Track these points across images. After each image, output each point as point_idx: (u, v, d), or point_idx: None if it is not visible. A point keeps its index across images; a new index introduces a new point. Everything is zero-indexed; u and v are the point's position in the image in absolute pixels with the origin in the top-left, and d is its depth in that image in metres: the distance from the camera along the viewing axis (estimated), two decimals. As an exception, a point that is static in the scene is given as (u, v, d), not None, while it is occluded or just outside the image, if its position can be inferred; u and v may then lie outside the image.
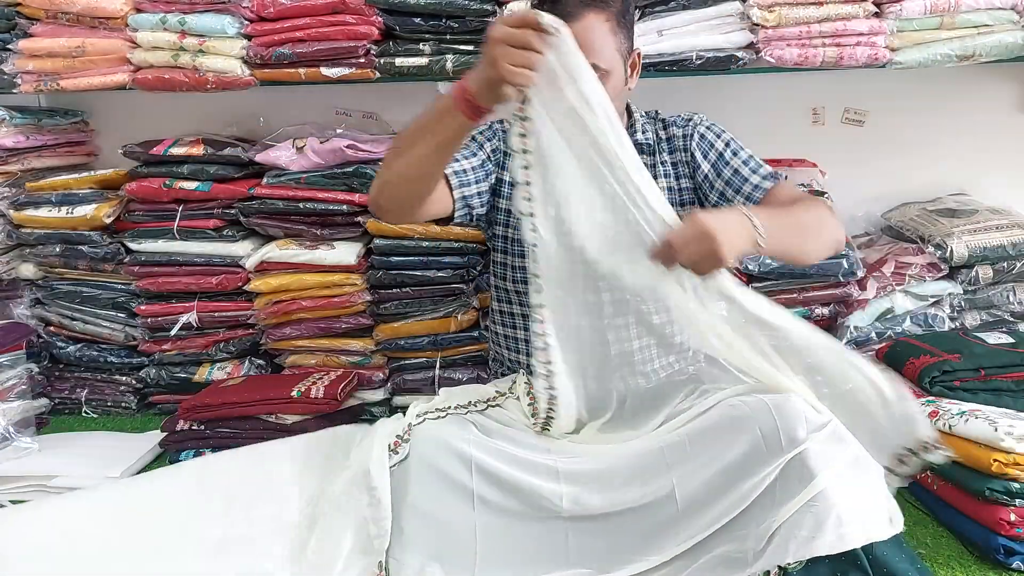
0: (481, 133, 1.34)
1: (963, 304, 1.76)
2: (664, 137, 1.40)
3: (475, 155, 1.31)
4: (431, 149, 1.11)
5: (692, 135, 1.37)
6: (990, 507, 1.16)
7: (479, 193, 1.30)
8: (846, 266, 1.71)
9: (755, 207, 1.15)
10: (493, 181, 1.34)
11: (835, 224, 1.22)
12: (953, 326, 1.75)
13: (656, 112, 1.46)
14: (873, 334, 1.74)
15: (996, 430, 1.17)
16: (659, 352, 1.23)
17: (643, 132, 1.38)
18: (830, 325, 1.80)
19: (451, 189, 1.26)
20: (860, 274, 1.73)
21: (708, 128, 1.38)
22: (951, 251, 1.72)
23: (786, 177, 1.30)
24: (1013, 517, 1.14)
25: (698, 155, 1.36)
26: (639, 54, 1.30)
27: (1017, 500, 1.14)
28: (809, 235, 1.16)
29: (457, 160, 1.27)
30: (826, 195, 1.87)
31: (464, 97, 1.03)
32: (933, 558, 1.16)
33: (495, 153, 1.34)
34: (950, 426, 1.25)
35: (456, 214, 1.28)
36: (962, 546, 1.21)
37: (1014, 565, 1.13)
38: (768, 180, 1.28)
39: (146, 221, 1.88)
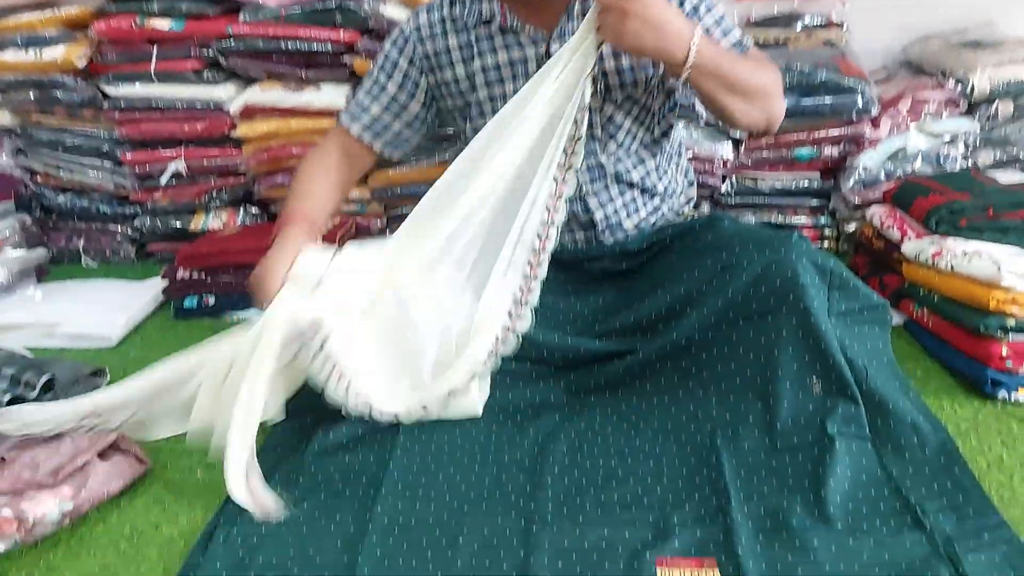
0: (386, 58, 1.20)
1: (978, 142, 1.69)
2: None
3: (382, 92, 1.20)
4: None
5: None
6: (983, 342, 1.17)
7: (407, 125, 1.23)
8: (860, 103, 1.63)
9: (710, 46, 1.05)
10: (424, 98, 1.22)
11: (779, 99, 1.12)
12: (965, 165, 1.70)
13: None
14: (882, 174, 1.68)
15: (999, 269, 1.16)
16: None
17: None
18: (839, 166, 1.75)
19: (368, 147, 1.23)
20: (874, 111, 1.65)
21: None
22: (972, 85, 1.63)
23: (753, 48, 1.17)
24: (1004, 351, 1.15)
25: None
26: None
27: (1011, 335, 1.15)
28: (747, 92, 1.06)
29: (365, 110, 1.21)
30: (844, 26, 1.77)
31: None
32: (922, 389, 1.19)
33: (413, 66, 1.20)
34: (952, 266, 1.24)
35: (391, 156, 1.27)
36: (951, 379, 1.23)
37: (999, 396, 1.16)
38: (737, 48, 1.17)
39: (121, 63, 1.79)
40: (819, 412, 1.01)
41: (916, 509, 0.89)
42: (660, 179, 1.23)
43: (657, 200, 1.24)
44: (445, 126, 1.38)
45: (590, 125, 1.13)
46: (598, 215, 1.19)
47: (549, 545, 0.87)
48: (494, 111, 1.11)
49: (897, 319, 1.41)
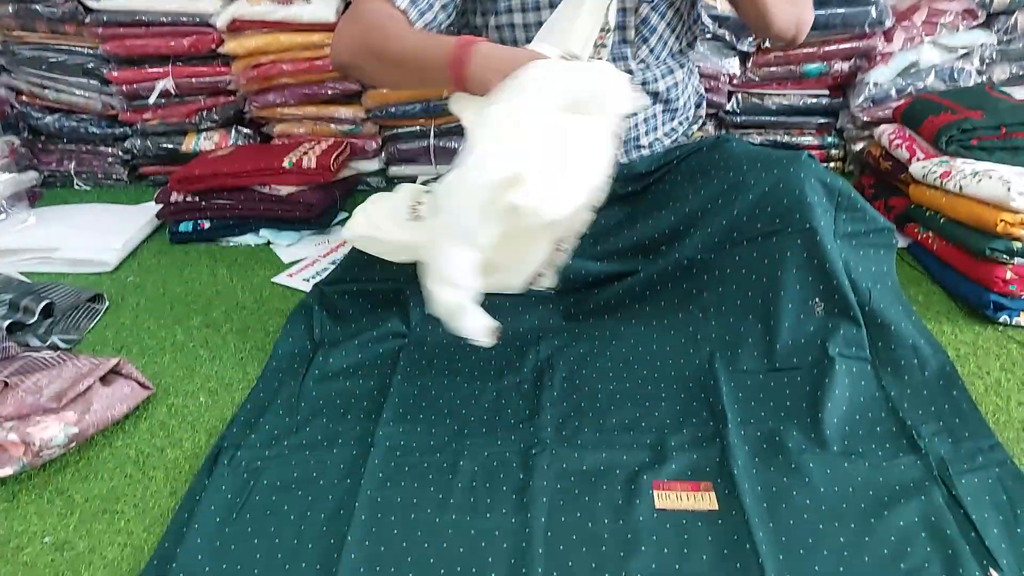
0: None
1: (994, 56, 1.63)
2: None
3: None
4: (414, 79, 1.08)
5: None
6: (988, 265, 1.16)
7: (443, 7, 1.10)
8: (874, 15, 1.56)
9: None
10: None
11: (811, 6, 1.13)
12: (980, 81, 1.65)
13: None
14: (893, 91, 1.63)
15: (1009, 190, 1.13)
16: None
17: None
18: (848, 82, 1.69)
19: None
20: (888, 24, 1.58)
21: None
22: (992, -8, 1.57)
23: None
24: (1009, 275, 1.14)
25: None
26: None
27: (1016, 259, 1.14)
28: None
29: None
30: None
31: (458, 72, 0.91)
32: (924, 313, 1.19)
33: None
34: (961, 187, 1.21)
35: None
36: (952, 302, 1.23)
37: (1000, 319, 1.15)
38: None
39: (102, -26, 1.70)
40: (820, 333, 1.01)
41: (912, 432, 0.90)
42: (681, 94, 1.20)
43: (675, 120, 1.21)
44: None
45: (623, 27, 1.09)
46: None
47: (548, 468, 0.88)
48: (523, 8, 1.06)
49: (901, 242, 1.40)
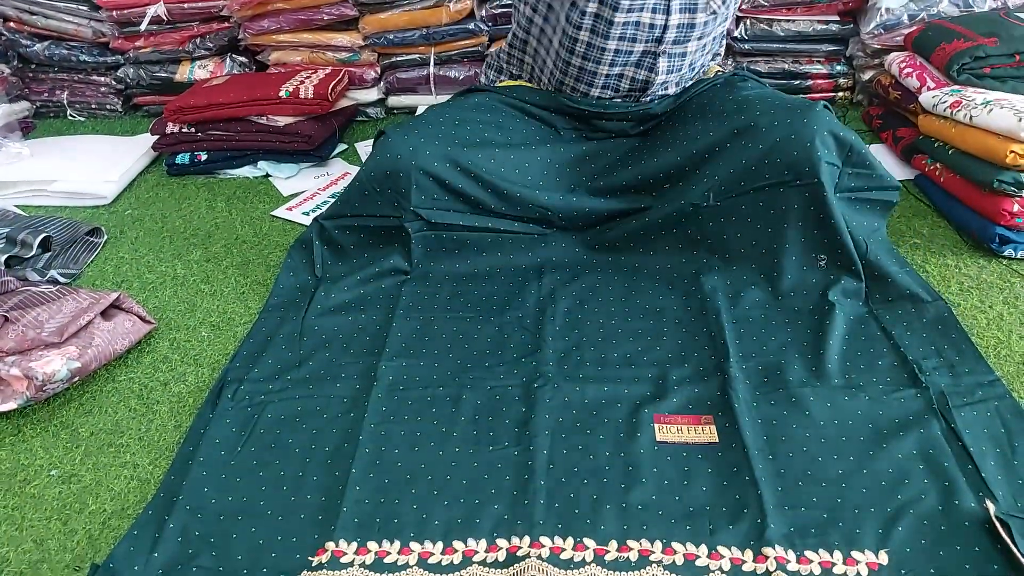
0: None
1: (1012, -22, 1.58)
2: None
3: None
4: None
5: None
6: (995, 198, 1.14)
7: None
8: (888, -64, 1.50)
9: None
10: None
11: None
12: (994, 6, 1.59)
13: None
14: (905, 17, 1.58)
15: (1020, 120, 1.11)
16: None
17: None
18: (860, 7, 1.64)
19: None
20: (903, -57, 1.53)
21: None
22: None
23: None
24: (1016, 207, 1.13)
25: None
26: None
27: (1023, 191, 1.12)
28: None
29: None
30: None
31: None
32: (928, 247, 1.18)
33: None
34: (971, 117, 1.18)
35: None
36: (957, 236, 1.22)
37: (1005, 252, 1.14)
38: None
39: None
40: (822, 284, 1.03)
41: (914, 366, 0.90)
42: (715, 28, 1.15)
43: (703, 58, 1.18)
44: None
45: None
46: (659, 77, 1.13)
47: (550, 401, 0.89)
48: None
49: (908, 174, 1.38)
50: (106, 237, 1.36)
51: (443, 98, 1.50)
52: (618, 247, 1.12)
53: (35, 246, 1.23)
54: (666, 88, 1.17)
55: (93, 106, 1.91)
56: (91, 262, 1.30)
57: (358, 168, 1.39)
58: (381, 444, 0.84)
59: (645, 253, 1.10)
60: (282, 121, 1.57)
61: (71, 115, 1.92)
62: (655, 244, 1.11)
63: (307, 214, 1.40)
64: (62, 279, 1.23)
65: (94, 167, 1.58)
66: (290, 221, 1.39)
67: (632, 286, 1.07)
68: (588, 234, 1.14)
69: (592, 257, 1.12)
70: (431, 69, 1.75)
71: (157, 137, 1.61)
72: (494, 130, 1.16)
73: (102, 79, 1.87)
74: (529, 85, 1.26)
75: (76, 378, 0.98)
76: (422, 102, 1.81)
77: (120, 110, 1.91)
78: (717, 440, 0.83)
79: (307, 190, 1.50)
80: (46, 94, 1.91)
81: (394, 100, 1.84)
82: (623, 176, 1.12)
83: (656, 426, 0.85)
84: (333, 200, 1.26)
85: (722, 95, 1.10)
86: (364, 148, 1.68)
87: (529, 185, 1.11)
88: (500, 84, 1.30)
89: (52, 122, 1.91)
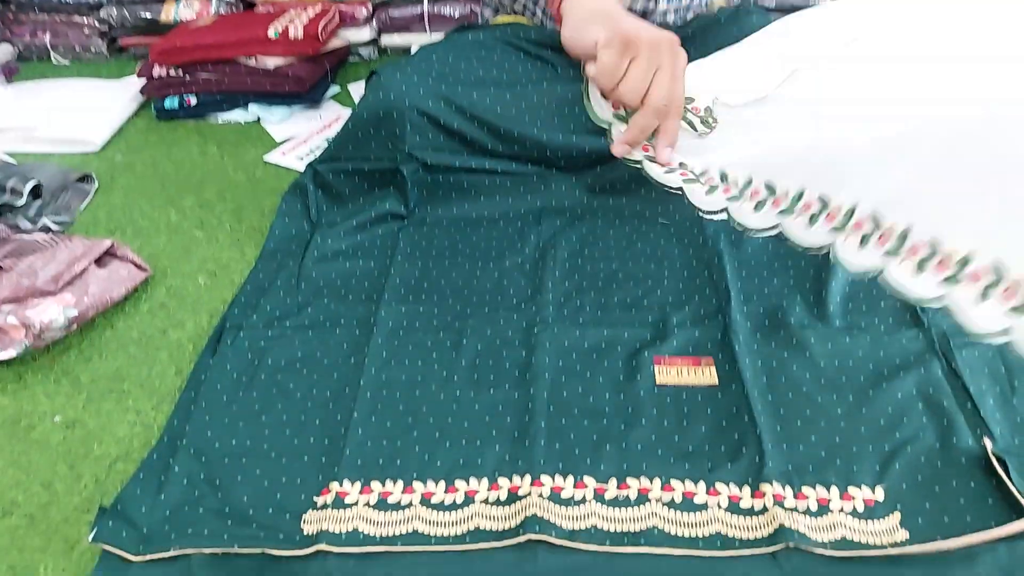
0: None
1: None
2: None
3: None
4: None
5: None
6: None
7: None
8: None
9: None
10: None
11: None
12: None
13: None
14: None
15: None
16: None
17: None
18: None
19: None
20: None
21: None
22: None
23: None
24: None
25: None
26: None
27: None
28: None
29: None
30: None
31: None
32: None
33: None
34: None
35: None
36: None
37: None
38: None
39: None
40: None
41: (916, 306, 0.90)
42: None
43: None
44: None
45: None
46: (660, 6, 1.10)
47: (550, 345, 0.88)
48: None
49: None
50: (97, 184, 1.34)
51: (438, 37, 1.46)
52: (619, 189, 1.11)
53: (25, 193, 1.21)
54: (666, 16, 1.14)
55: (77, 49, 1.86)
56: (83, 209, 1.28)
57: (351, 111, 1.36)
58: (382, 388, 0.85)
59: (647, 196, 1.09)
60: (272, 63, 1.53)
61: (55, 59, 1.87)
62: (657, 188, 1.09)
63: (301, 159, 1.38)
64: (55, 227, 1.21)
65: (81, 112, 1.55)
66: (284, 167, 1.37)
67: (633, 230, 1.06)
68: (588, 176, 1.12)
69: (593, 200, 1.11)
70: (425, 7, 1.70)
71: (144, 81, 1.57)
72: (490, 68, 1.13)
73: (84, 20, 1.82)
74: (526, 22, 1.23)
75: (74, 326, 0.98)
76: (416, 41, 1.76)
77: (105, 52, 1.86)
78: (716, 382, 0.83)
79: (300, 134, 1.48)
80: (27, 36, 1.85)
81: (387, 39, 1.79)
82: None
83: (656, 368, 0.85)
84: (327, 144, 1.24)
85: (727, 32, 1.07)
86: (357, 90, 1.64)
87: (527, 124, 1.09)
88: (496, 21, 1.26)
89: (36, 65, 1.86)
